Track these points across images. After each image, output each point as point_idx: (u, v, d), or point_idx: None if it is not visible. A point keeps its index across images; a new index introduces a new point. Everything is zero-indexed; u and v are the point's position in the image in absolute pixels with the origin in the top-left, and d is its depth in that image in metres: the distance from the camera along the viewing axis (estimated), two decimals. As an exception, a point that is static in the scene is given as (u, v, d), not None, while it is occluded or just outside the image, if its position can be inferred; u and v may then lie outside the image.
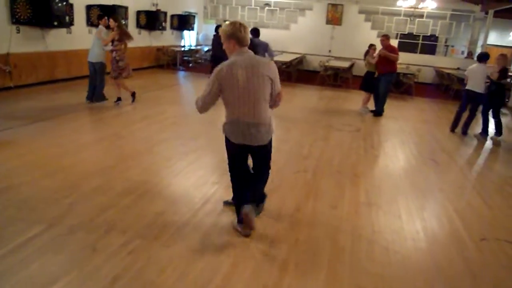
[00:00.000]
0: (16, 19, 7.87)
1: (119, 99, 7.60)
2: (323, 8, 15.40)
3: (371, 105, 8.73)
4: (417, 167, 5.47)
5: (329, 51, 15.56)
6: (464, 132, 7.46)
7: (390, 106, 9.87)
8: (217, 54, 8.19)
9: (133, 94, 7.82)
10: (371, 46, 8.80)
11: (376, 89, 8.53)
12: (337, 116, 8.24)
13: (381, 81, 8.40)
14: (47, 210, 3.43)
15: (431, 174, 5.22)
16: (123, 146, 5.37)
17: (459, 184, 5.02)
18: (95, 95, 7.58)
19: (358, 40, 14.88)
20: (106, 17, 7.40)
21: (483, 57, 7.27)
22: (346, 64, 12.97)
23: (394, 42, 14.75)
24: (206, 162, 5.09)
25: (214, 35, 8.50)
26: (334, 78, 12.80)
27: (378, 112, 8.58)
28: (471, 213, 4.14)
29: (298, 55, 14.75)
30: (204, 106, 3.13)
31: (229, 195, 4.02)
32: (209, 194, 4.04)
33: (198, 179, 4.41)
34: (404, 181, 4.87)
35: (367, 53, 8.78)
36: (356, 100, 9.18)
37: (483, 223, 3.95)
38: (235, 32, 3.00)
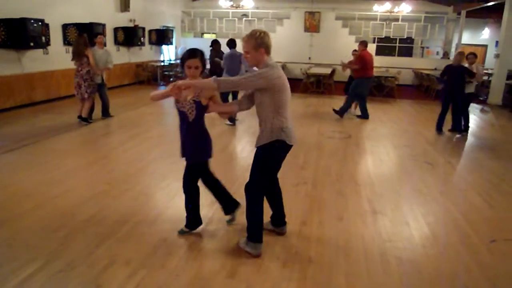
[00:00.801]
0: (-10, 42, 7.58)
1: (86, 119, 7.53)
2: (301, 16, 15.52)
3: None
4: (413, 171, 5.45)
5: (309, 58, 15.66)
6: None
7: (376, 110, 9.95)
8: (216, 69, 8.08)
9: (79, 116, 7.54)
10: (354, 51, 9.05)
11: (353, 91, 8.76)
12: (326, 123, 8.21)
13: (359, 83, 8.66)
14: (41, 245, 3.20)
15: (428, 177, 5.20)
16: (113, 169, 5.16)
17: (458, 186, 5.02)
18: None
19: (337, 46, 15.05)
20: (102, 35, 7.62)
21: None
22: (327, 71, 13.04)
23: (371, 47, 15.08)
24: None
25: (211, 50, 8.31)
26: (317, 85, 12.84)
27: (366, 116, 8.82)
28: (476, 214, 4.12)
29: (279, 64, 14.74)
30: (242, 86, 3.01)
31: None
32: (209, 214, 3.88)
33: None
34: (404, 187, 4.83)
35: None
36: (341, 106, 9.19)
37: (489, 224, 3.92)
38: (266, 40, 2.94)
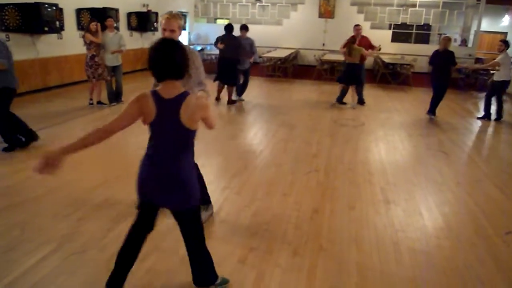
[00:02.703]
0: (5, 27, 7.62)
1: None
2: (315, 2, 15.24)
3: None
4: (428, 160, 5.35)
5: (323, 44, 15.42)
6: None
7: (391, 98, 9.81)
8: (226, 55, 7.98)
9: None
10: (354, 38, 8.58)
11: (360, 78, 8.53)
12: (339, 111, 8.11)
13: (363, 70, 8.56)
14: (55, 229, 3.24)
15: (443, 167, 5.10)
16: (126, 155, 5.18)
17: (474, 176, 4.91)
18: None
19: (352, 32, 14.74)
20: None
21: None
22: (342, 57, 12.81)
23: (387, 33, 14.76)
24: (214, 165, 4.92)
25: (226, 34, 8.16)
26: (331, 71, 12.67)
27: (362, 101, 8.78)
28: (492, 206, 4.03)
29: (292, 50, 14.59)
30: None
31: (242, 199, 3.88)
32: (221, 200, 3.88)
33: (208, 184, 4.24)
34: (418, 176, 4.75)
35: (349, 43, 8.53)
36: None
37: (506, 216, 3.84)
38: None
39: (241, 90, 8.67)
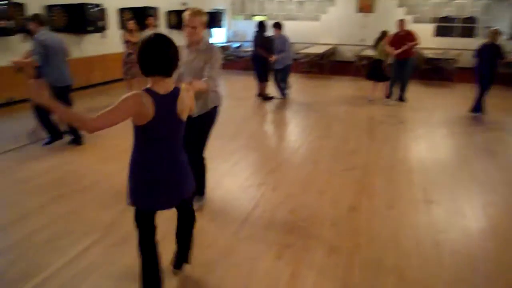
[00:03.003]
0: (53, 27, 8.00)
1: None
2: (354, -4, 14.93)
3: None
4: (472, 159, 5.12)
5: (362, 40, 15.08)
6: None
7: (434, 94, 9.45)
8: (257, 53, 8.00)
9: None
10: (385, 34, 8.39)
11: (400, 74, 8.29)
12: (377, 108, 7.91)
13: (407, 66, 8.23)
14: (97, 220, 3.38)
15: (489, 166, 4.87)
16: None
17: (522, 176, 4.65)
18: None
19: (392, 27, 14.31)
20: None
21: None
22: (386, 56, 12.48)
23: (430, 27, 14.21)
24: (250, 161, 4.95)
25: (257, 32, 8.16)
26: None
27: (403, 98, 8.49)
28: (543, 208, 3.81)
29: (329, 46, 14.38)
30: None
31: (279, 196, 3.88)
32: (257, 196, 3.89)
33: (245, 180, 4.28)
34: (462, 175, 4.55)
35: (380, 39, 8.37)
36: (396, 90, 8.78)
37: (558, 220, 3.61)
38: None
39: (281, 89, 8.60)
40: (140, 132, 2.12)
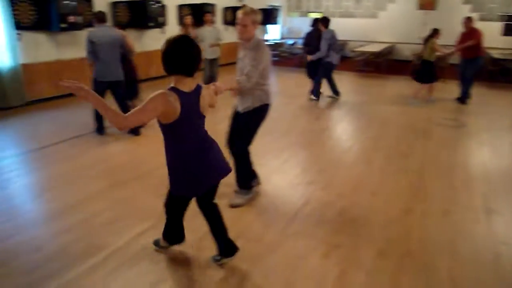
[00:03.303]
0: (117, 23, 8.45)
1: None
2: (415, -8, 14.31)
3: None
4: (541, 168, 4.75)
5: (421, 38, 14.42)
6: None
7: (501, 97, 8.86)
8: (310, 49, 7.90)
9: None
10: (436, 32, 7.90)
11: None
12: (437, 109, 7.55)
13: (472, 65, 7.74)
14: (153, 207, 3.52)
15: (561, 176, 4.49)
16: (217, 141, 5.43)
17: None
18: None
19: (455, 25, 13.55)
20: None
21: None
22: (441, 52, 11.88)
23: (497, 26, 13.29)
24: (301, 159, 4.93)
25: (312, 29, 8.05)
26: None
27: (464, 99, 7.98)
28: None
29: (387, 45, 13.91)
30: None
31: (329, 195, 3.85)
32: (306, 194, 3.88)
33: (294, 177, 4.28)
34: (528, 185, 4.25)
35: (430, 37, 7.88)
36: (456, 91, 8.32)
37: None
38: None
39: (333, 88, 8.38)
40: (168, 129, 2.27)
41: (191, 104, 2.24)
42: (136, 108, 2.13)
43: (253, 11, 3.26)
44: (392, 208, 3.60)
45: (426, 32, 9.08)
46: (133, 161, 4.69)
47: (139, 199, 3.72)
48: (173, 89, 2.18)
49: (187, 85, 2.23)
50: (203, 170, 2.38)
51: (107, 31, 5.35)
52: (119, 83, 5.46)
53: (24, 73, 6.82)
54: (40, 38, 7.14)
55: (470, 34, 7.63)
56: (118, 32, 5.47)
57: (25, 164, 4.63)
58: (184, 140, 2.31)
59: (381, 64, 12.47)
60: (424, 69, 7.97)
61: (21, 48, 6.77)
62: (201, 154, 2.38)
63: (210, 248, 2.92)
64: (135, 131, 5.58)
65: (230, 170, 2.59)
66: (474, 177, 4.39)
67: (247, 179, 3.70)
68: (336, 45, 7.82)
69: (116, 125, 2.08)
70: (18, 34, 6.70)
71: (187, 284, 2.56)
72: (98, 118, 5.46)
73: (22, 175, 4.30)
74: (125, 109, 5.38)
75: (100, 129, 5.55)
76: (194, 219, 3.33)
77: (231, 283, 2.57)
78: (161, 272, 2.67)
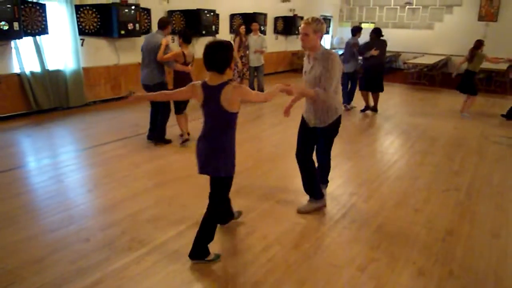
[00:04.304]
0: (173, 30, 8.83)
1: None
2: (475, 3, 13.67)
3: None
4: None
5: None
6: None
7: None
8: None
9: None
10: (481, 43, 7.52)
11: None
12: (492, 126, 7.15)
13: None
14: (194, 207, 3.65)
15: None
16: (262, 149, 5.52)
17: None
18: None
19: (520, 38, 12.80)
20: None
21: None
22: (502, 66, 11.24)
23: None
24: (344, 170, 4.88)
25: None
26: (487, 82, 11.23)
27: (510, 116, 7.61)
28: None
29: (442, 57, 13.39)
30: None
31: (370, 208, 3.78)
32: (347, 206, 3.83)
33: (336, 188, 4.24)
34: None
35: (475, 49, 7.49)
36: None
37: None
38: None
39: (348, 97, 8.17)
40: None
41: (210, 95, 2.63)
42: (175, 90, 2.97)
43: (315, 20, 3.24)
44: (436, 227, 3.47)
45: (486, 44, 8.71)
46: (177, 163, 4.87)
47: (182, 199, 3.86)
48: (203, 82, 2.67)
49: (214, 80, 2.62)
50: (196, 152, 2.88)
51: (149, 37, 5.48)
52: (148, 86, 5.37)
53: (85, 76, 7.31)
54: (100, 43, 7.63)
55: None
56: (158, 38, 5.28)
57: (81, 160, 4.96)
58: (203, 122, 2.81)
59: (435, 77, 12.02)
60: (467, 79, 7.70)
61: (83, 53, 7.26)
62: (200, 140, 2.87)
63: (247, 250, 2.98)
64: (165, 140, 5.58)
65: (206, 173, 2.83)
66: (529, 200, 4.12)
67: (318, 188, 3.70)
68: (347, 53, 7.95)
69: (160, 98, 3.54)
70: (82, 39, 7.20)
71: (223, 284, 2.63)
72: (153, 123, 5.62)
73: (77, 170, 4.61)
74: (157, 119, 5.50)
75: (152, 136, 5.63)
76: (233, 222, 3.41)
77: (264, 287, 2.60)
78: (199, 271, 2.75)
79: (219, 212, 2.98)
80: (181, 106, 5.40)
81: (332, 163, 4.71)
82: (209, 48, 2.57)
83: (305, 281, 2.68)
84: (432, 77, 12.05)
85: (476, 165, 5.11)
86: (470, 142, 6.15)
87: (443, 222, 3.57)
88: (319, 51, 3.31)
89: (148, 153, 5.19)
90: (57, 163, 4.80)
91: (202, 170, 2.81)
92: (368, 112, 7.91)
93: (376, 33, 7.63)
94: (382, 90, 7.75)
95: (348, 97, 8.11)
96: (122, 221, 3.41)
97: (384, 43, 7.60)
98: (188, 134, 5.53)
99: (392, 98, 9.81)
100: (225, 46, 2.59)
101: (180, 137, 5.63)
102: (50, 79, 6.82)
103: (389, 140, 6.33)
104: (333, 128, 3.54)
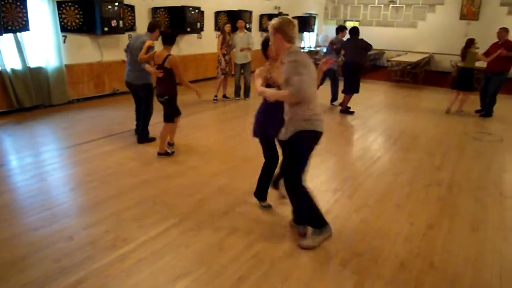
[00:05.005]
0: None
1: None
2: (457, 2, 13.91)
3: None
4: None
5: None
6: None
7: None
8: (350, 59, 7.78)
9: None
10: (472, 42, 7.74)
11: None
12: (473, 123, 7.31)
13: (498, 79, 7.59)
14: (178, 206, 3.66)
15: None
16: (247, 147, 5.52)
17: None
18: None
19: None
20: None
21: None
22: (484, 64, 11.47)
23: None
24: (328, 166, 4.93)
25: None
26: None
27: (489, 113, 7.83)
28: None
29: (425, 55, 13.60)
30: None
31: (353, 204, 3.84)
32: (331, 202, 3.88)
33: (321, 184, 4.28)
34: None
35: (467, 47, 7.72)
36: (496, 106, 8.01)
37: None
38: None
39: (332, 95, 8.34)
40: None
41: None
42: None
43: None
44: (417, 221, 3.54)
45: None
46: (163, 161, 4.85)
47: (166, 197, 3.85)
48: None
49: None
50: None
51: (136, 36, 5.56)
52: (130, 85, 5.44)
53: (68, 73, 7.20)
54: (83, 40, 7.52)
55: (504, 45, 7.39)
56: (143, 40, 5.17)
57: (64, 159, 4.89)
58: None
59: (418, 75, 12.21)
60: (464, 76, 7.90)
61: (65, 50, 7.15)
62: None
63: (231, 247, 3.00)
64: (149, 139, 5.55)
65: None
66: (507, 195, 4.23)
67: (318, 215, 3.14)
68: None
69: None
70: (64, 36, 7.09)
71: (206, 280, 2.64)
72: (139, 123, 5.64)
73: (60, 169, 4.55)
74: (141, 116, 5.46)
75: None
76: (217, 220, 3.43)
77: (248, 283, 2.62)
78: (183, 268, 2.76)
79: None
80: (172, 111, 5.00)
81: (316, 160, 4.77)
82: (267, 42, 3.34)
83: (287, 278, 2.70)
84: (415, 74, 12.22)
85: (456, 160, 5.22)
86: (451, 138, 6.28)
87: (425, 216, 3.65)
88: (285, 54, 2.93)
89: (132, 151, 5.15)
90: (40, 161, 4.73)
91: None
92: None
93: (351, 32, 7.74)
94: (356, 91, 7.71)
95: (332, 96, 8.32)
96: (106, 219, 3.39)
97: (361, 43, 7.63)
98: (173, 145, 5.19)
99: (376, 95, 9.94)
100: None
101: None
102: (32, 77, 6.69)
103: (372, 136, 6.42)
104: (293, 144, 3.01)
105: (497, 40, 7.63)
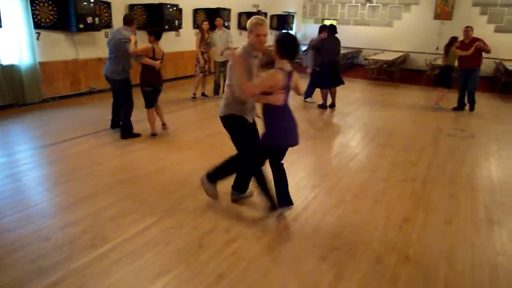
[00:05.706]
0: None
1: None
2: (432, 2, 14.26)
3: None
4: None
5: (437, 48, 14.34)
6: None
7: None
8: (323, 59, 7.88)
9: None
10: (455, 40, 8.09)
11: (465, 84, 8.14)
12: (447, 120, 7.53)
13: (475, 75, 7.97)
14: (158, 204, 3.65)
15: None
16: (226, 144, 5.52)
17: None
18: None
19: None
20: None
21: None
22: (457, 63, 11.80)
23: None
24: (307, 163, 4.99)
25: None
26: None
27: (473, 108, 8.25)
28: None
29: (401, 54, 13.89)
30: None
31: (331, 200, 3.90)
32: (309, 198, 3.94)
33: (300, 180, 4.34)
34: (533, 198, 4.23)
35: (450, 45, 8.06)
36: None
37: None
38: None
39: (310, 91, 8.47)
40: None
41: (289, 80, 3.11)
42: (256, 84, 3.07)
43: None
44: (393, 216, 3.64)
45: (441, 41, 9.13)
46: (141, 159, 4.81)
47: (145, 195, 3.82)
48: (279, 69, 3.06)
49: (288, 67, 3.10)
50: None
51: (115, 32, 5.63)
52: (108, 79, 5.63)
53: (42, 71, 7.02)
54: (58, 37, 7.35)
55: (471, 44, 7.73)
56: (124, 34, 5.34)
57: (39, 158, 4.79)
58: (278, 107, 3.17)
59: (394, 73, 12.46)
60: (445, 73, 8.27)
61: (39, 47, 6.98)
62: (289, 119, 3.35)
63: (211, 245, 3.01)
64: (133, 134, 5.63)
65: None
66: (478, 188, 4.39)
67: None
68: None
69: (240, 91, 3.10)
70: (37, 33, 6.91)
71: (187, 277, 2.64)
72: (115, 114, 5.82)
73: (35, 169, 4.45)
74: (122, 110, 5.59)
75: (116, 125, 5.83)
76: (197, 218, 3.43)
77: (228, 279, 2.64)
78: (163, 266, 2.75)
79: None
80: (152, 100, 5.56)
81: (295, 157, 4.82)
82: (295, 41, 3.10)
83: (267, 274, 2.74)
84: (392, 73, 12.47)
85: (431, 156, 5.37)
86: (426, 134, 6.45)
87: (400, 210, 3.75)
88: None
89: (110, 150, 5.09)
90: (14, 161, 4.62)
91: (293, 140, 3.38)
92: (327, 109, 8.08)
93: (330, 31, 7.89)
94: (342, 83, 7.94)
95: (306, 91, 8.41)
96: (84, 219, 3.34)
97: (337, 41, 7.84)
98: (165, 124, 5.88)
99: (353, 93, 10.09)
100: (295, 38, 3.15)
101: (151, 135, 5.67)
102: (4, 74, 6.50)
103: (350, 133, 6.53)
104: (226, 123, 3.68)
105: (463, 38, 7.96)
